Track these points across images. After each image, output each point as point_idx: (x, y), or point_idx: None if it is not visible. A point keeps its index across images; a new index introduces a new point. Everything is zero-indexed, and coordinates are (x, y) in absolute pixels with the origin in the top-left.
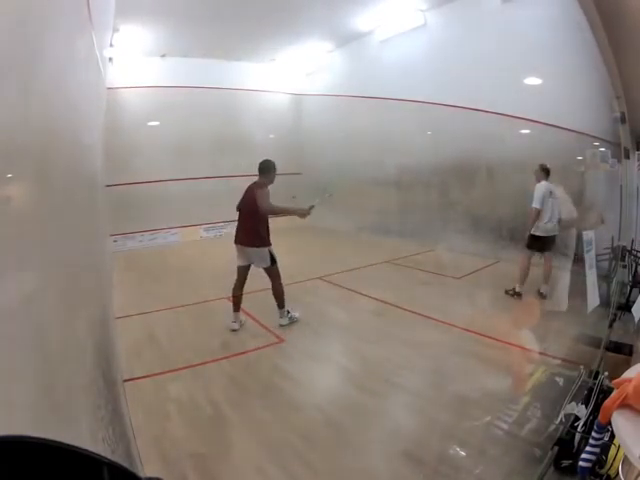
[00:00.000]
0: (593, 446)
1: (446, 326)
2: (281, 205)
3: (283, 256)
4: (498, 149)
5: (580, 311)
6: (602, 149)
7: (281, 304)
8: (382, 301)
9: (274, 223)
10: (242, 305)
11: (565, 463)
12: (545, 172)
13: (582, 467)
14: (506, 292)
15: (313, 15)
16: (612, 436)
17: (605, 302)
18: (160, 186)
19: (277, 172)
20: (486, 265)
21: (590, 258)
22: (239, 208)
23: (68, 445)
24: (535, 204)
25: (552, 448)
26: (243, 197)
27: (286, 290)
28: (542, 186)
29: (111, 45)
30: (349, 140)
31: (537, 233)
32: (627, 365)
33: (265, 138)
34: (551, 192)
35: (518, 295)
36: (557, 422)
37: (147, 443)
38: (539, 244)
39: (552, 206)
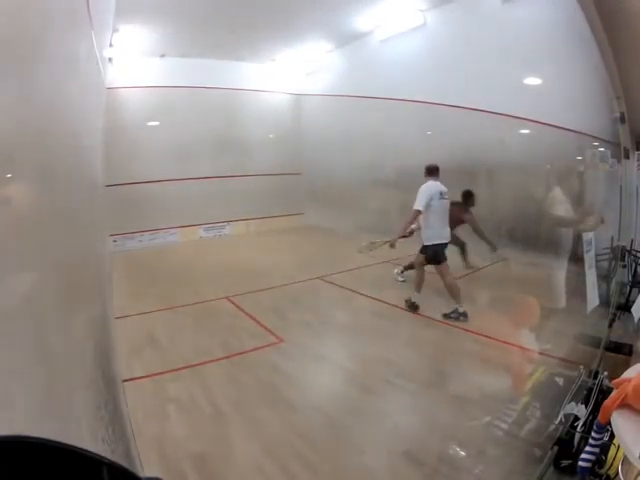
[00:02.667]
0: (593, 446)
1: (446, 326)
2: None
3: (284, 256)
4: (498, 149)
5: (579, 311)
6: (602, 149)
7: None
8: (382, 301)
9: (276, 223)
10: (242, 305)
11: (565, 463)
12: (432, 171)
13: (582, 467)
14: (407, 304)
15: (313, 15)
16: (612, 436)
17: (605, 302)
18: (160, 186)
19: (277, 172)
20: (486, 265)
21: (590, 258)
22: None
23: (68, 445)
24: (416, 205)
25: (552, 448)
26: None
27: (286, 290)
28: (430, 186)
29: (111, 45)
30: (349, 140)
31: (433, 242)
32: (627, 365)
33: (265, 138)
34: (441, 192)
35: (413, 306)
36: (557, 422)
37: (147, 443)
38: (437, 252)
39: (444, 209)
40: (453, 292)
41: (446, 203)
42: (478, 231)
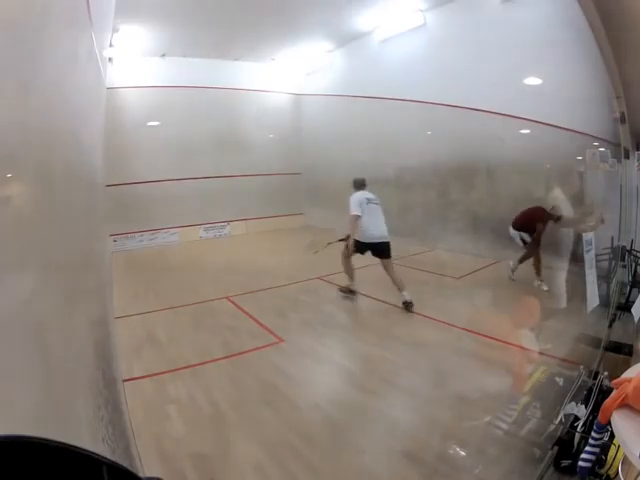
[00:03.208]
0: (593, 446)
1: (446, 326)
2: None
3: (284, 256)
4: (498, 149)
5: (579, 311)
6: (602, 149)
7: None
8: (382, 301)
9: (276, 223)
10: (242, 306)
11: (565, 463)
12: (359, 183)
13: (582, 467)
14: (341, 290)
15: (313, 15)
16: (612, 436)
17: (605, 302)
18: (160, 186)
19: (276, 172)
20: (485, 265)
21: (590, 258)
22: None
23: (68, 445)
24: (352, 211)
25: (552, 448)
26: None
27: (286, 290)
28: (357, 195)
29: (111, 45)
30: (349, 140)
31: (363, 239)
32: (627, 365)
33: (265, 138)
34: (368, 199)
35: (351, 292)
36: (557, 422)
37: (147, 443)
38: (366, 249)
39: (374, 211)
40: (400, 283)
41: (375, 207)
42: (536, 241)
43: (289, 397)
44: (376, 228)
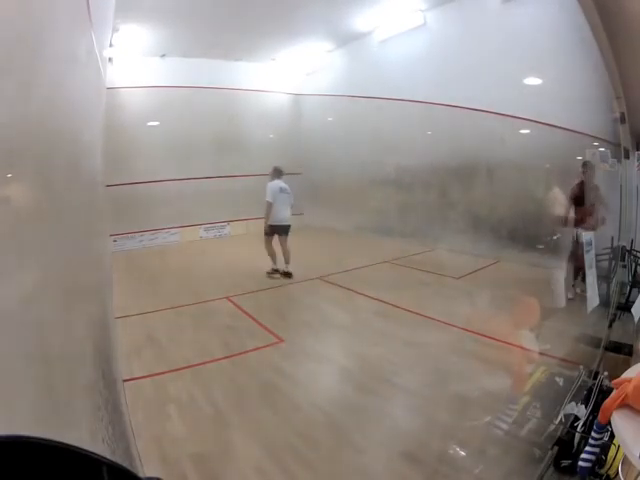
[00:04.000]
0: (593, 446)
1: (446, 326)
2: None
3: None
4: (498, 149)
5: (579, 311)
6: (602, 149)
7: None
8: (382, 301)
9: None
10: (243, 306)
11: (565, 463)
12: (277, 172)
13: (582, 467)
14: (268, 274)
15: (313, 15)
16: (612, 436)
17: (605, 302)
18: (160, 186)
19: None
20: (486, 265)
21: (590, 258)
22: None
23: (68, 445)
24: (267, 198)
25: (552, 448)
26: None
27: (286, 290)
28: (273, 184)
29: (111, 45)
30: (349, 140)
31: (273, 223)
32: (627, 365)
33: (265, 138)
34: (281, 188)
35: (276, 272)
36: (557, 422)
37: (147, 443)
38: (275, 230)
39: (284, 200)
40: (287, 257)
41: (286, 196)
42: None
43: (289, 397)
44: (283, 214)
